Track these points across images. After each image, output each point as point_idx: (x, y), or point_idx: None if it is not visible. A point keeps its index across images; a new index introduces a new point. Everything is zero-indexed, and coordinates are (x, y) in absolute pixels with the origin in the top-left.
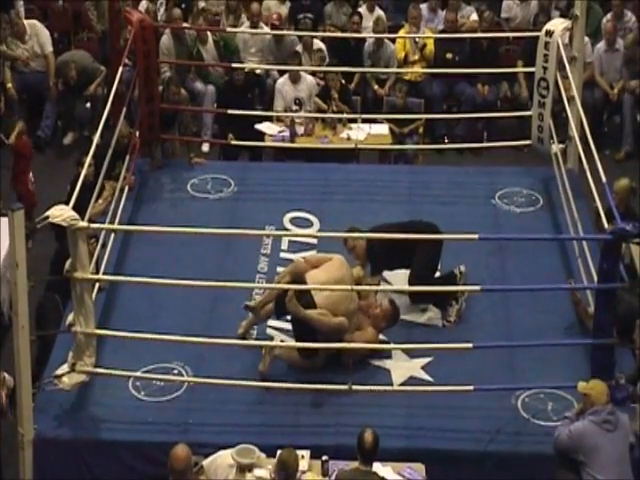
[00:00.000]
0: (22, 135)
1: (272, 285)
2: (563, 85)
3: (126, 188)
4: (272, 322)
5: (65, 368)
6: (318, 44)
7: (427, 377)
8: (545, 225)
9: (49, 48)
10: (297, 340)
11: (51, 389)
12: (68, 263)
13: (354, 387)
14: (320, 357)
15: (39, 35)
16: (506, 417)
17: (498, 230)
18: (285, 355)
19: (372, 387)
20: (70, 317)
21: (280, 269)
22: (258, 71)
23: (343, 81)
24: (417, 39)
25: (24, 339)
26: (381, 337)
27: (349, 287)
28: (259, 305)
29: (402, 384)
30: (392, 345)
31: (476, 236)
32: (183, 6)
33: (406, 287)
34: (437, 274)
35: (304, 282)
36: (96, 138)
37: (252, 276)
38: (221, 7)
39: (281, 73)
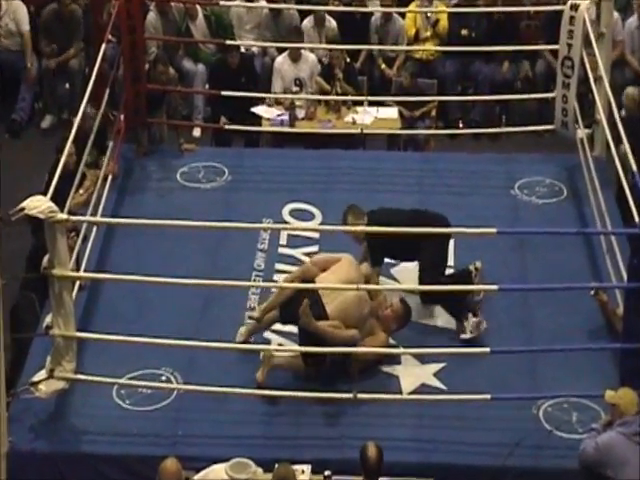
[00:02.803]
0: None
1: (269, 284)
2: (590, 64)
3: (109, 177)
4: None
5: (42, 374)
6: (330, 21)
7: (440, 385)
8: (569, 218)
9: (26, 27)
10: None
11: (27, 397)
12: (46, 259)
13: (359, 396)
14: (327, 365)
15: (16, 12)
16: (526, 429)
17: (518, 223)
18: (287, 363)
19: (379, 396)
20: (48, 318)
21: (278, 266)
22: (254, 49)
23: (348, 59)
24: (429, 14)
25: None
26: (390, 341)
27: (355, 286)
28: (262, 313)
29: (412, 392)
30: (402, 350)
31: (494, 230)
32: None
33: (417, 286)
34: (450, 271)
35: (314, 289)
36: (77, 121)
37: (248, 273)
38: None
39: (280, 51)
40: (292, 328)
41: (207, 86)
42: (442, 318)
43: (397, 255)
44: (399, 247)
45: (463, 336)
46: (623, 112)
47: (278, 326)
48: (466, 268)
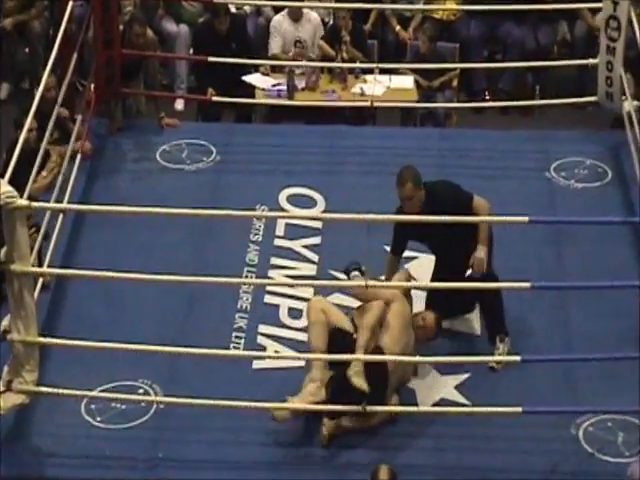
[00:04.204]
0: None
1: (263, 281)
2: (639, 25)
3: (78, 156)
4: (263, 328)
5: None
6: None
7: (462, 399)
8: (614, 204)
9: None
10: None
11: None
12: (2, 252)
13: (369, 408)
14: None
15: None
16: (564, 451)
17: (554, 211)
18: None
19: (391, 408)
20: (5, 321)
21: (274, 260)
22: (247, 8)
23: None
24: None
25: None
26: None
27: (363, 283)
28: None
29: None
30: (418, 358)
31: (526, 219)
32: None
33: (443, 284)
34: None
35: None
36: (39, 92)
37: (239, 269)
38: None
39: (277, 11)
40: (290, 333)
41: (191, 51)
42: (465, 323)
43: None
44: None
45: (492, 363)
46: None
47: (275, 330)
48: None
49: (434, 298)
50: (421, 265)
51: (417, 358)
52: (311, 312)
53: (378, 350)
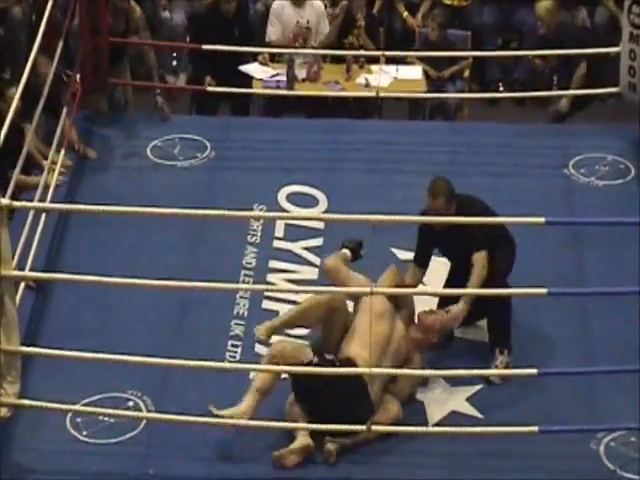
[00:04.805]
0: None
1: (261, 286)
2: None
3: (62, 152)
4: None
5: None
6: None
7: (475, 413)
8: (638, 204)
9: None
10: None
11: None
12: None
13: (374, 428)
14: None
15: None
16: (584, 468)
17: (573, 211)
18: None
19: (399, 428)
20: None
21: (273, 263)
22: None
23: None
24: None
25: None
26: None
27: (368, 289)
28: (270, 332)
29: (440, 423)
30: (429, 371)
31: (543, 220)
32: None
33: (450, 290)
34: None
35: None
36: (22, 81)
37: (235, 273)
38: None
39: None
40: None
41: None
42: (477, 331)
43: (447, 252)
44: (455, 242)
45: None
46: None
47: (274, 338)
48: None
49: (446, 303)
50: (430, 268)
51: (428, 371)
52: (268, 356)
53: (348, 361)
